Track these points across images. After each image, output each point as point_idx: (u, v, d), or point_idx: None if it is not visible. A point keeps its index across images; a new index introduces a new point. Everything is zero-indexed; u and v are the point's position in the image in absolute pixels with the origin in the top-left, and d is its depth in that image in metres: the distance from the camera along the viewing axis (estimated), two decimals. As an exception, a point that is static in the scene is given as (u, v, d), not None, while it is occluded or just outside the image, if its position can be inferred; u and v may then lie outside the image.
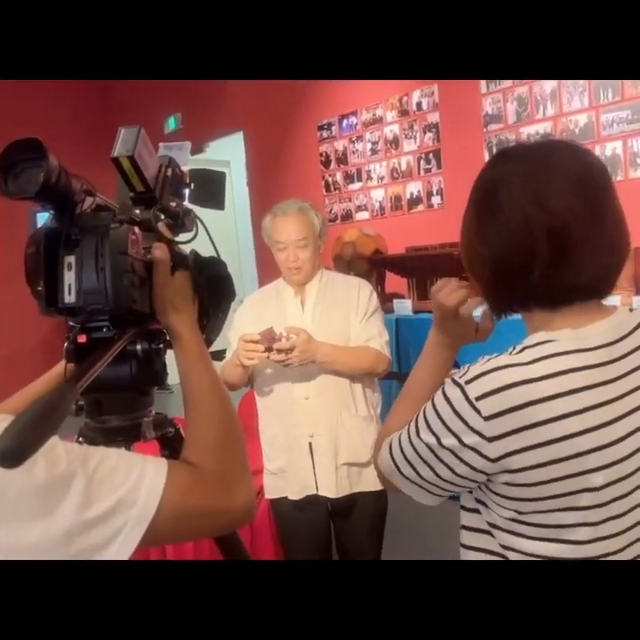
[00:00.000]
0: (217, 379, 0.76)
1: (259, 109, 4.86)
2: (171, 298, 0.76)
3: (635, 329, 0.80)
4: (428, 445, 0.80)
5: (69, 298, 0.69)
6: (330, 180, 4.44)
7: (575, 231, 0.74)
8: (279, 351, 1.79)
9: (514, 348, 0.79)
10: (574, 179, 0.75)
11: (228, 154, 5.94)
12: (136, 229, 0.73)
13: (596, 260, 0.75)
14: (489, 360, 0.78)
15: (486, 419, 0.74)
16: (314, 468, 1.92)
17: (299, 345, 1.79)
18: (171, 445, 0.84)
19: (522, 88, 3.26)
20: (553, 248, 0.75)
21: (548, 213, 0.74)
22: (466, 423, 0.75)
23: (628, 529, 0.78)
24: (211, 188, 0.91)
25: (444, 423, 0.78)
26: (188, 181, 0.89)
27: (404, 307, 3.40)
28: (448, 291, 0.89)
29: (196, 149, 5.60)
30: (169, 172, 0.84)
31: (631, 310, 0.83)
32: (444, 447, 0.78)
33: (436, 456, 0.80)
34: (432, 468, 0.81)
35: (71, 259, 0.69)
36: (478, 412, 0.74)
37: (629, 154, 2.91)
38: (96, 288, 0.68)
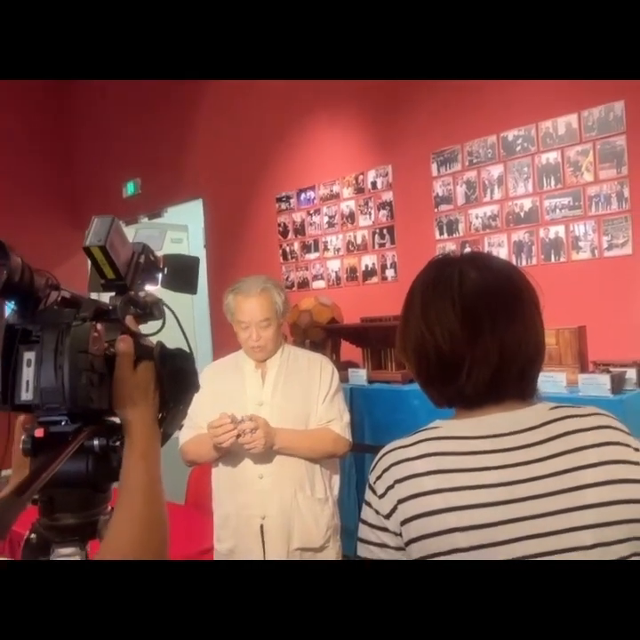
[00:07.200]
0: (155, 480, 0.74)
1: (218, 177, 4.97)
2: (130, 392, 0.75)
3: (544, 424, 0.85)
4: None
5: (26, 395, 0.68)
6: (287, 248, 4.53)
7: (457, 352, 0.85)
8: (243, 433, 1.78)
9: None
10: (460, 306, 0.86)
11: (186, 219, 6.00)
12: (98, 326, 0.73)
13: (481, 374, 0.84)
14: (386, 445, 0.90)
15: (380, 497, 0.86)
16: (264, 551, 1.84)
17: (261, 426, 1.78)
18: None
19: (471, 173, 3.46)
20: (440, 365, 0.86)
21: (434, 338, 0.86)
22: (370, 505, 0.87)
23: None
24: (184, 274, 0.92)
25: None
26: (161, 266, 0.90)
27: (359, 376, 3.43)
28: None
29: (155, 214, 5.65)
30: (142, 259, 0.85)
31: (554, 408, 0.87)
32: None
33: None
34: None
35: (31, 355, 0.68)
36: (374, 492, 0.87)
37: (571, 237, 3.10)
38: (53, 386, 0.67)
